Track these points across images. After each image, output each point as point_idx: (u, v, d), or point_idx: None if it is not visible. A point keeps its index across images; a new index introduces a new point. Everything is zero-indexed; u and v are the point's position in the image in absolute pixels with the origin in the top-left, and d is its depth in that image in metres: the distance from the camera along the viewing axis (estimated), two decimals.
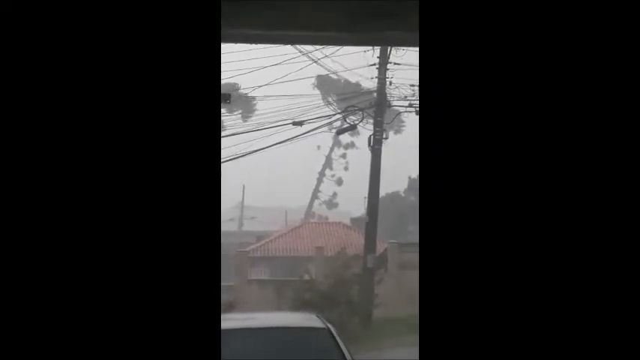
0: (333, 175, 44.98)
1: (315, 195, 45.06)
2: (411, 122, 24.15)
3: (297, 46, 19.98)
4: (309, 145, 38.97)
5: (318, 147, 42.67)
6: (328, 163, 44.62)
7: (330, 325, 5.73)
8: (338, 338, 5.48)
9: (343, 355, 5.21)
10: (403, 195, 54.13)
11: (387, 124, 20.78)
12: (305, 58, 21.85)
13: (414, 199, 55.98)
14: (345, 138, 39.41)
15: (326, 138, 37.23)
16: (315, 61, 21.88)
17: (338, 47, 20.84)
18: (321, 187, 45.42)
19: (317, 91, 26.39)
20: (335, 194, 45.26)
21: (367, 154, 20.88)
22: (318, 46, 20.57)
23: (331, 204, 45.33)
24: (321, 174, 44.89)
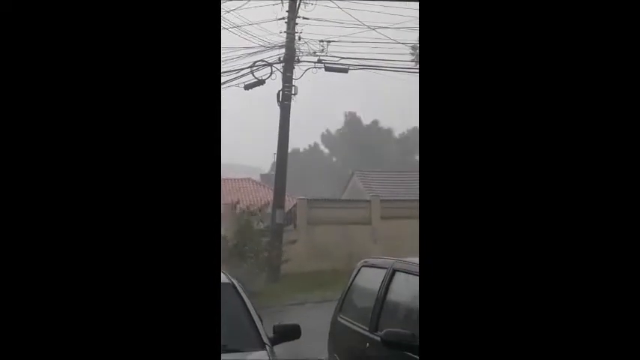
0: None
1: None
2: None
3: None
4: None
5: None
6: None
7: (234, 281, 5.68)
8: (243, 293, 5.44)
9: (247, 309, 5.18)
10: (314, 150, 54.37)
11: (295, 79, 20.69)
12: None
13: (325, 153, 56.31)
14: None
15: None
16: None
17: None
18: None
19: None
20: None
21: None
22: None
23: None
24: None
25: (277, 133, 21.04)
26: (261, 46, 20.84)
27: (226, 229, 21.15)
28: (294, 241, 20.58)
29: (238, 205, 20.65)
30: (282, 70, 20.56)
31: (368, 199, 25.02)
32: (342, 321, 6.42)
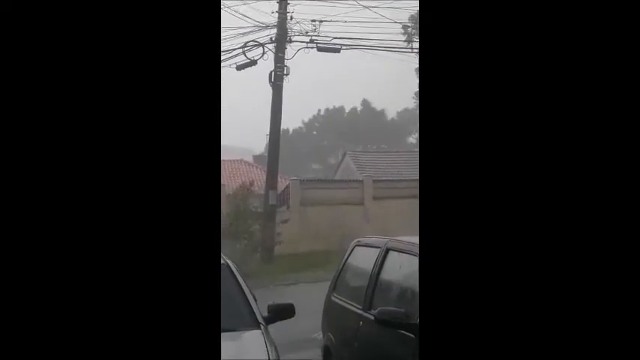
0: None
1: None
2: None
3: None
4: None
5: None
6: None
7: (229, 261, 5.71)
8: (237, 274, 5.47)
9: (242, 290, 5.22)
10: (306, 131, 54.33)
11: (287, 60, 20.62)
12: None
13: (317, 134, 56.24)
14: None
15: None
16: None
17: None
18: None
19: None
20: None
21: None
22: None
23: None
24: None
25: (269, 114, 21.00)
26: (253, 26, 20.76)
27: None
28: (286, 221, 20.62)
29: (231, 187, 20.64)
30: (274, 51, 20.49)
31: (360, 179, 25.07)
32: (336, 300, 6.46)
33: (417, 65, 42.58)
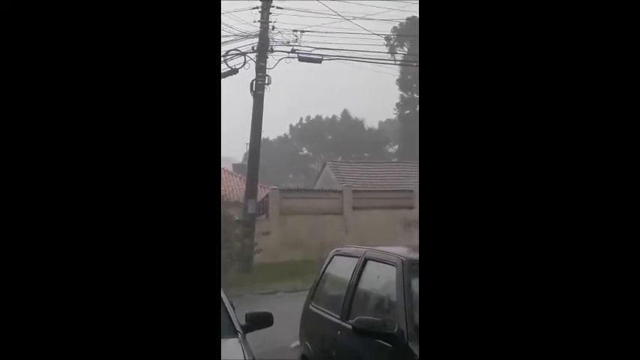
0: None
1: None
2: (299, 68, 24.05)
3: None
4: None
5: None
6: None
7: None
8: None
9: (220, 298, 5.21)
10: (286, 141, 54.31)
11: (269, 69, 20.66)
12: None
13: (296, 144, 56.28)
14: None
15: None
16: None
17: None
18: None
19: None
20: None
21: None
22: None
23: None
24: None
25: (250, 123, 21.00)
26: (235, 35, 20.78)
27: None
28: (267, 232, 20.58)
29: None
30: (255, 60, 20.50)
31: (340, 189, 25.10)
32: (314, 309, 6.47)
33: (399, 77, 42.52)
